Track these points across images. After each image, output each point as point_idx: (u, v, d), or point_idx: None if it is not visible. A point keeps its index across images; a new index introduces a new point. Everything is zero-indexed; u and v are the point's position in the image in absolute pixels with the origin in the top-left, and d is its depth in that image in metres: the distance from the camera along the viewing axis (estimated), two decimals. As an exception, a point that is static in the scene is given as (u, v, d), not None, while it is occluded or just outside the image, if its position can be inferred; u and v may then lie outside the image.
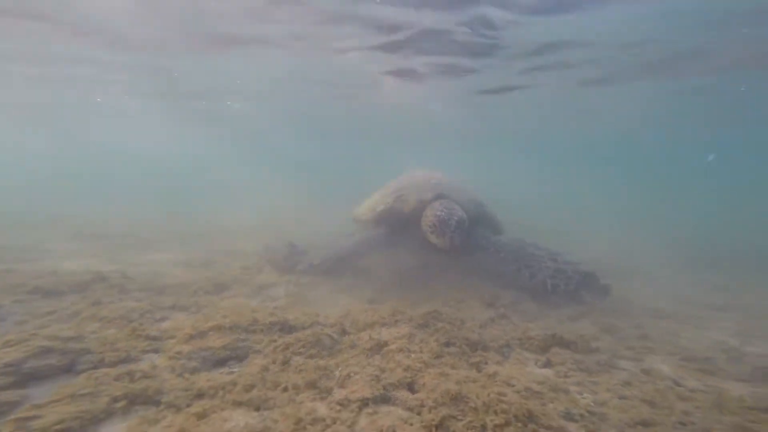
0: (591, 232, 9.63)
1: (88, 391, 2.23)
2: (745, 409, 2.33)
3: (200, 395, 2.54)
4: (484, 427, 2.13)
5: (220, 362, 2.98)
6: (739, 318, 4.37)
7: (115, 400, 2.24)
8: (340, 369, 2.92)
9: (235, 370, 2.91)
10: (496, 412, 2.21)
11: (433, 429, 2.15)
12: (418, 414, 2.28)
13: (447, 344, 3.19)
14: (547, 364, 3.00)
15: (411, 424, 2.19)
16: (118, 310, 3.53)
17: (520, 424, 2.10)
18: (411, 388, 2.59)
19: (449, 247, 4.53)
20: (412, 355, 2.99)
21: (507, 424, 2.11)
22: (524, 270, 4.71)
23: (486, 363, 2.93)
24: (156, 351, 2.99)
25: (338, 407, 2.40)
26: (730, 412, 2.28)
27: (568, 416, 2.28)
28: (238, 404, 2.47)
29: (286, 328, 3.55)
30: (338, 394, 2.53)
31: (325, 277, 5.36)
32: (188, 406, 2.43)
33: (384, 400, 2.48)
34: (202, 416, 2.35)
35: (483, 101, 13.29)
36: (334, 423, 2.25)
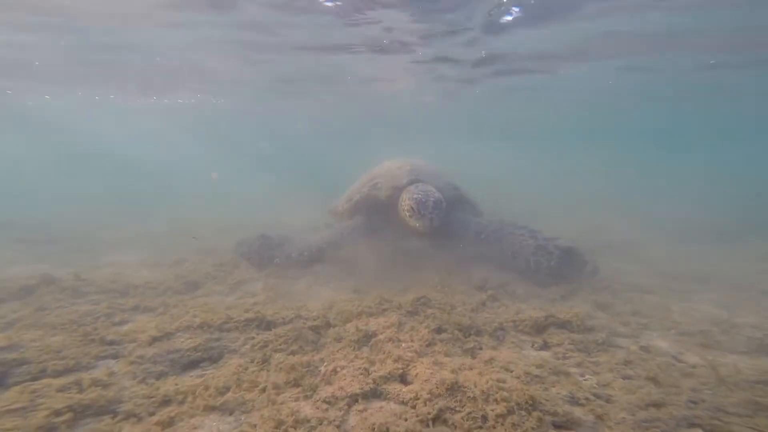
0: (568, 210, 9.73)
1: (21, 405, 1.89)
2: (752, 383, 2.27)
3: (166, 402, 2.24)
4: (485, 417, 1.96)
5: (191, 365, 2.68)
6: (723, 289, 4.45)
7: (57, 413, 1.92)
8: (325, 364, 2.69)
9: (208, 371, 2.62)
10: (496, 401, 2.04)
11: (430, 423, 1.97)
12: (413, 407, 2.09)
13: (438, 331, 3.01)
14: (544, 346, 2.88)
15: (405, 419, 1.99)
16: (67, 315, 3.14)
17: (523, 413, 1.95)
18: (403, 379, 2.40)
19: (429, 229, 4.50)
20: (403, 345, 2.79)
21: (509, 412, 1.95)
22: (507, 249, 4.71)
23: (481, 348, 2.77)
24: (114, 357, 2.65)
25: (325, 406, 2.18)
26: (737, 387, 2.22)
27: (573, 400, 2.15)
28: (210, 409, 2.20)
29: (264, 324, 3.27)
30: (324, 391, 2.30)
31: (304, 270, 5.09)
32: (151, 414, 2.14)
33: (375, 394, 2.27)
34: (167, 425, 2.07)
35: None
36: (321, 424, 2.02)
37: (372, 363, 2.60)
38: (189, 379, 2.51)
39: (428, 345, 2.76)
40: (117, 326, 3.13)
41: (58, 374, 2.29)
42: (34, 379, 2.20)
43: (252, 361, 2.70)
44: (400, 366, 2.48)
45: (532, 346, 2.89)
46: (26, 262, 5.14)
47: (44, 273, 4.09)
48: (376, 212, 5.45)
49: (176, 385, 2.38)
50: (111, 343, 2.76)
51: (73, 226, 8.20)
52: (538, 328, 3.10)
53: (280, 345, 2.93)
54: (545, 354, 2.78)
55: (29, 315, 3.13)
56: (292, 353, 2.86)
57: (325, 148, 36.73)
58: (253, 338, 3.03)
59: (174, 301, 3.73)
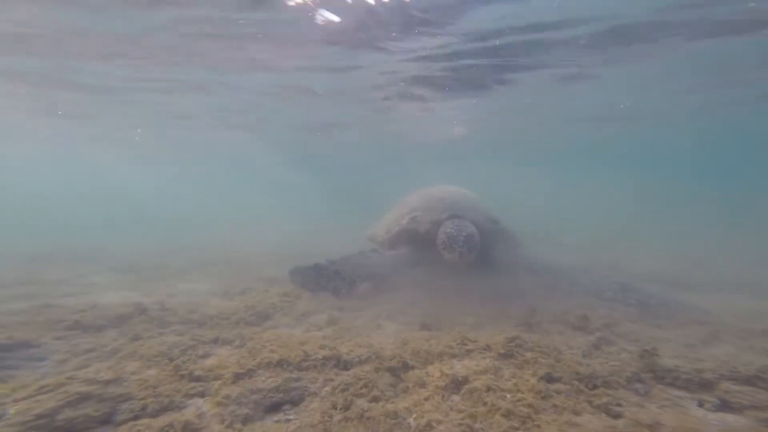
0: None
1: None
2: None
3: (254, 452, 2.10)
4: None
5: (274, 407, 2.54)
6: None
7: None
8: (414, 416, 2.38)
9: (291, 417, 2.46)
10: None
11: None
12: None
13: (549, 379, 2.56)
14: (724, 407, 2.24)
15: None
16: (158, 346, 3.24)
17: None
18: (523, 444, 2.00)
19: (459, 262, 4.75)
20: (508, 396, 2.40)
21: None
22: (563, 279, 4.71)
23: (620, 405, 2.26)
24: (202, 395, 2.61)
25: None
26: None
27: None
28: (299, 465, 2.00)
29: (341, 363, 3.08)
30: (425, 453, 1.99)
31: (362, 301, 4.93)
32: (241, 467, 1.99)
33: (490, 462, 1.91)
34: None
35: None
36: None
37: (474, 417, 2.24)
38: (274, 425, 2.36)
39: (543, 398, 2.33)
40: (202, 359, 3.16)
41: (156, 413, 2.28)
42: (137, 417, 2.21)
43: (334, 407, 2.49)
44: (515, 424, 2.09)
45: (701, 405, 2.27)
46: (116, 290, 5.64)
47: (137, 302, 4.40)
48: (416, 244, 5.54)
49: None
50: (198, 379, 2.75)
51: (144, 254, 9.02)
52: (701, 382, 2.46)
53: (360, 389, 2.70)
54: (731, 418, 2.15)
55: (126, 344, 3.30)
56: (375, 399, 2.60)
57: (358, 172, 37.78)
58: (332, 380, 2.84)
59: (248, 333, 3.73)
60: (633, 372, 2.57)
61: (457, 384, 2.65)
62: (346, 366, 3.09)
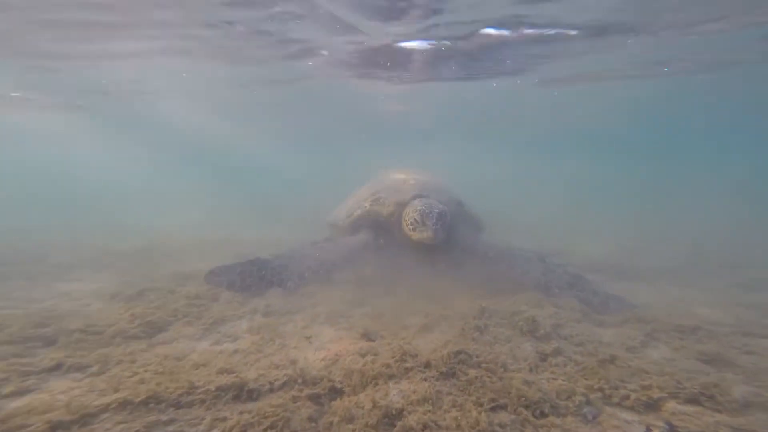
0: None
1: None
2: None
3: None
4: None
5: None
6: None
7: None
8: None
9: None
10: None
11: None
12: None
13: (495, 408, 2.15)
14: None
15: None
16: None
17: None
18: None
19: (433, 240, 4.46)
20: (448, 438, 1.92)
21: None
22: (517, 268, 4.67)
23: None
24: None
25: None
26: None
27: None
28: None
29: (245, 393, 2.38)
30: None
31: (300, 299, 4.28)
32: None
33: None
34: None
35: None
36: None
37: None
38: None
39: (487, 439, 1.90)
40: (7, 400, 2.17)
41: None
42: None
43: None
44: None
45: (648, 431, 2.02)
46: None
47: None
48: (379, 228, 5.29)
49: None
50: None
51: (18, 245, 7.09)
52: (648, 401, 2.23)
53: (265, 431, 2.04)
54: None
55: None
56: (283, 446, 1.97)
57: (298, 159, 35.88)
58: (225, 419, 2.13)
59: (121, 353, 2.80)
60: (580, 392, 2.26)
61: (390, 419, 2.12)
62: (251, 396, 2.39)
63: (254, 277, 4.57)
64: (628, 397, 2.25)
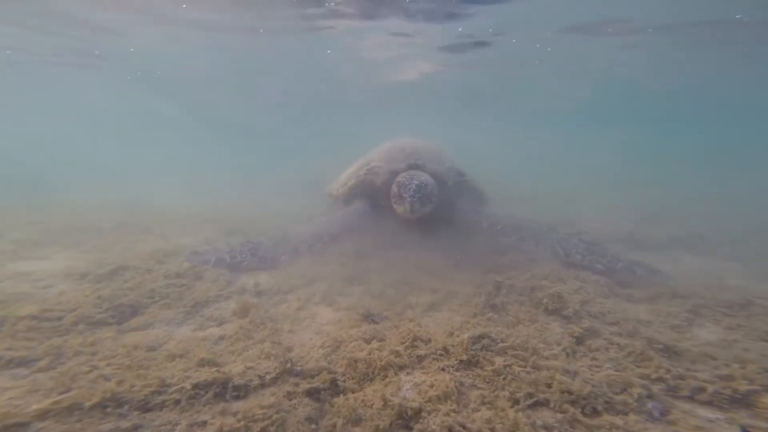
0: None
1: None
2: None
3: None
4: None
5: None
6: None
7: None
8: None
9: None
10: None
11: None
12: None
13: (534, 405, 1.81)
14: None
15: None
16: None
17: None
18: None
19: (409, 214, 4.31)
20: (480, 444, 1.57)
21: None
22: (528, 239, 4.41)
23: None
24: None
25: None
26: None
27: None
28: None
29: (229, 391, 2.00)
30: None
31: (293, 277, 3.92)
32: None
33: None
34: None
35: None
36: None
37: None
38: None
39: (532, 448, 1.55)
40: None
41: None
42: None
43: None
44: None
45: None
46: None
47: None
48: (374, 198, 5.07)
49: None
50: None
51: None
52: (734, 395, 1.86)
53: (252, 437, 1.68)
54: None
55: None
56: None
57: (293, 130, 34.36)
58: (204, 425, 1.76)
59: (79, 343, 2.38)
60: (636, 382, 1.91)
61: (405, 420, 1.77)
62: (237, 394, 2.02)
63: (245, 253, 4.29)
64: (703, 390, 1.89)
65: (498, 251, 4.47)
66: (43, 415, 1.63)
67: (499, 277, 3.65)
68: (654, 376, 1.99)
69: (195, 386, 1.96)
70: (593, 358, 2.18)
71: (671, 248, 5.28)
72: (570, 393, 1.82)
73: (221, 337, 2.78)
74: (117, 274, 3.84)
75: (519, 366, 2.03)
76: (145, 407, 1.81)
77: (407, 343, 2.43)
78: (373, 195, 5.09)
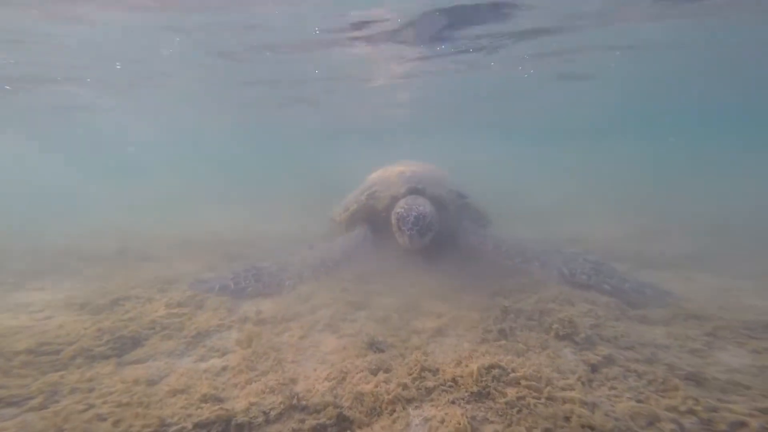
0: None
1: None
2: None
3: None
4: None
5: None
6: None
7: None
8: None
9: None
10: None
11: None
12: None
13: (550, 443, 1.73)
14: None
15: None
16: None
17: None
18: None
19: (410, 246, 4.33)
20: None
21: None
22: (533, 261, 4.36)
23: None
24: None
25: None
26: None
27: None
28: None
29: (231, 429, 1.92)
30: None
31: (295, 304, 3.87)
32: None
33: None
34: None
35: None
36: None
37: None
38: None
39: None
40: None
41: None
42: None
43: None
44: None
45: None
46: None
47: None
48: (375, 223, 5.11)
49: None
50: None
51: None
52: None
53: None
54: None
55: None
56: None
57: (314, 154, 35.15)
58: (205, 468, 1.68)
59: (76, 379, 2.31)
60: (661, 416, 1.82)
61: (415, 458, 1.69)
62: (239, 433, 1.94)
63: (249, 279, 4.30)
64: (745, 425, 1.77)
65: (502, 274, 4.41)
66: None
67: (506, 302, 3.60)
68: (682, 408, 1.89)
69: (196, 425, 1.89)
70: (611, 387, 2.10)
71: (681, 266, 5.20)
72: (591, 428, 1.74)
73: (224, 368, 2.71)
74: (117, 305, 3.80)
75: (533, 398, 1.96)
76: (143, 450, 1.73)
77: (414, 374, 2.36)
78: (375, 220, 5.14)
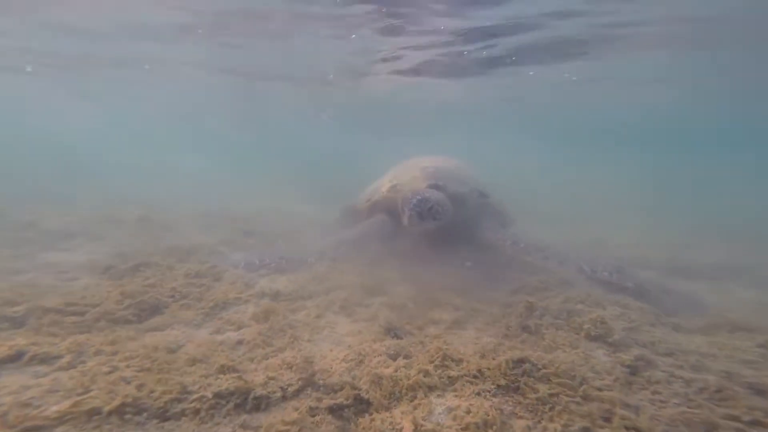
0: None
1: None
2: None
3: None
4: None
5: None
6: None
7: None
8: None
9: None
10: None
11: None
12: None
13: (586, 444, 1.63)
14: None
15: None
16: None
17: None
18: None
19: (409, 227, 4.38)
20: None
21: None
22: (552, 258, 4.32)
23: None
24: None
25: None
26: None
27: None
28: None
29: (250, 402, 1.91)
30: None
31: (312, 283, 3.87)
32: None
33: None
34: None
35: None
36: None
37: None
38: None
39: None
40: None
41: None
42: None
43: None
44: None
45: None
46: None
47: None
48: (395, 216, 5.09)
49: None
50: None
51: (5, 210, 6.61)
52: None
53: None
54: None
55: None
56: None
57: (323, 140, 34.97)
58: (225, 438, 1.67)
59: (101, 341, 2.35)
60: (731, 427, 1.67)
61: (439, 447, 1.62)
62: (258, 406, 1.92)
63: (273, 256, 4.46)
64: None
65: (523, 271, 4.35)
66: (61, 418, 1.58)
67: (531, 298, 3.48)
68: (746, 418, 1.74)
69: (216, 395, 1.88)
70: (655, 392, 1.96)
71: (717, 278, 4.91)
72: (637, 431, 1.62)
73: (239, 342, 2.71)
74: (138, 270, 3.87)
75: (567, 395, 1.85)
76: (164, 416, 1.74)
77: (437, 362, 2.28)
78: (395, 212, 5.17)
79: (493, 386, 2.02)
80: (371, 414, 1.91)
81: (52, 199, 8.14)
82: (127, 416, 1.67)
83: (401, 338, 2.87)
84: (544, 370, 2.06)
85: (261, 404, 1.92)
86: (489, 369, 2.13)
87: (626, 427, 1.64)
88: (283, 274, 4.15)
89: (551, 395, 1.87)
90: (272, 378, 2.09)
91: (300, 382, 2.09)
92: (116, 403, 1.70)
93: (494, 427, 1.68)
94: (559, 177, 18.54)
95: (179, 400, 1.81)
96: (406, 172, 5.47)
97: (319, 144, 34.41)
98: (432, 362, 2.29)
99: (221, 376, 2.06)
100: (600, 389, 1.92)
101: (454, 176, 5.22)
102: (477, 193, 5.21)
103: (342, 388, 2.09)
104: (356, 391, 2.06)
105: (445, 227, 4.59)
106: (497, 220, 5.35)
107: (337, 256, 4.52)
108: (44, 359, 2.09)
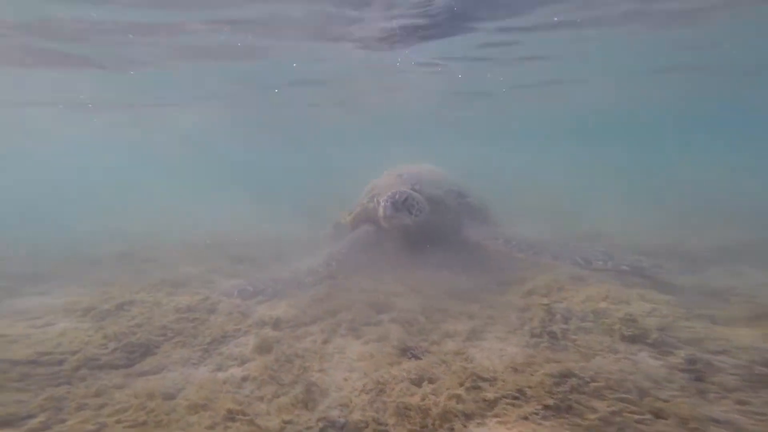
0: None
1: None
2: None
3: None
4: None
5: None
6: None
7: None
8: None
9: None
10: None
11: None
12: None
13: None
14: None
15: None
16: None
17: None
18: None
19: (383, 220, 4.52)
20: None
21: None
22: (545, 253, 4.40)
23: None
24: None
25: None
26: None
27: None
28: None
29: (264, 454, 1.64)
30: None
31: (312, 306, 3.63)
32: None
33: None
34: None
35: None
36: None
37: None
38: None
39: None
40: None
41: None
42: None
43: None
44: None
45: None
46: None
47: None
48: (377, 224, 5.18)
49: None
50: None
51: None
52: None
53: None
54: None
55: None
56: None
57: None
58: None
59: (83, 393, 2.04)
60: None
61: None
62: (273, 457, 1.65)
63: (266, 282, 4.26)
64: None
65: (524, 270, 4.30)
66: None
67: (545, 300, 3.31)
68: None
69: (223, 450, 1.61)
70: (740, 402, 1.75)
71: (723, 260, 4.84)
72: None
73: (244, 379, 2.44)
74: (123, 310, 3.54)
75: (630, 412, 1.65)
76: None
77: (468, 384, 2.07)
78: (376, 221, 5.27)
79: (539, 407, 1.81)
80: (405, 454, 1.66)
81: (14, 240, 7.61)
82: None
83: (420, 358, 2.65)
84: (594, 384, 1.87)
85: (277, 456, 1.66)
86: (530, 387, 1.92)
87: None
88: (282, 299, 3.88)
89: (613, 413, 1.66)
90: (288, 422, 1.82)
91: (320, 423, 1.83)
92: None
93: (554, 458, 1.46)
94: (551, 174, 18.73)
95: (180, 462, 1.54)
96: (384, 182, 5.63)
97: (300, 162, 34.19)
98: (462, 384, 2.08)
99: (230, 424, 1.78)
100: (666, 401, 1.73)
101: (428, 180, 5.38)
102: (454, 194, 5.38)
103: (367, 426, 1.85)
104: (383, 428, 1.82)
105: (429, 227, 4.68)
106: (478, 217, 5.53)
107: (330, 273, 4.45)
108: (10, 421, 1.77)
